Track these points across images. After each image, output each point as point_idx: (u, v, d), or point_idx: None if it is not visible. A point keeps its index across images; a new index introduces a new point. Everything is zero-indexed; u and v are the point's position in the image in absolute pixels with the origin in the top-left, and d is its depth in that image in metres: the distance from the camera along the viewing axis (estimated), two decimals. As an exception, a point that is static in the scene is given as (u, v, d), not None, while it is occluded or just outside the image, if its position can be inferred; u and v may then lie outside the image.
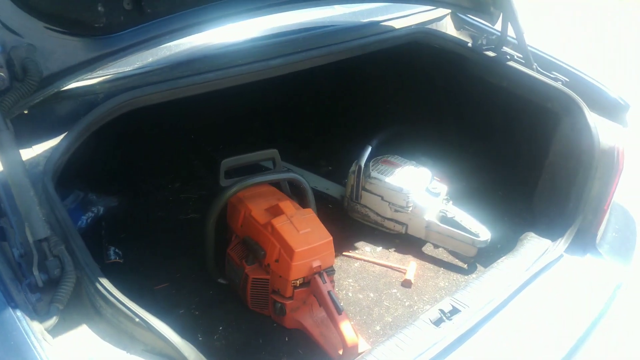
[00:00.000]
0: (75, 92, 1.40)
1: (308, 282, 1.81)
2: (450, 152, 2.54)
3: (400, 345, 1.53)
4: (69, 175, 2.28)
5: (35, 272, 1.05)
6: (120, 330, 1.02)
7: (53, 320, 0.99)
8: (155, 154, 2.59)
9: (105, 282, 1.04)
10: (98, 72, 1.42)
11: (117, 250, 2.12)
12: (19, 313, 0.98)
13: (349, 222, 2.46)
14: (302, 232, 1.80)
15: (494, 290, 1.72)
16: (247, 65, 1.62)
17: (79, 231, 2.15)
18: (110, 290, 1.02)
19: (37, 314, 1.00)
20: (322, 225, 1.88)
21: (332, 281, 1.91)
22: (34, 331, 0.93)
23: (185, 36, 1.44)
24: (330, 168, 2.78)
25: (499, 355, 1.52)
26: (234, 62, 1.62)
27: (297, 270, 1.78)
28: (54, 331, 1.00)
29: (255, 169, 2.01)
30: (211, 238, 1.93)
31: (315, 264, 1.79)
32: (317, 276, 1.78)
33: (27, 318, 0.96)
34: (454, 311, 1.64)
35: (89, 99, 1.43)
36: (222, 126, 2.70)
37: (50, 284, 1.06)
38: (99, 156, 2.32)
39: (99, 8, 1.20)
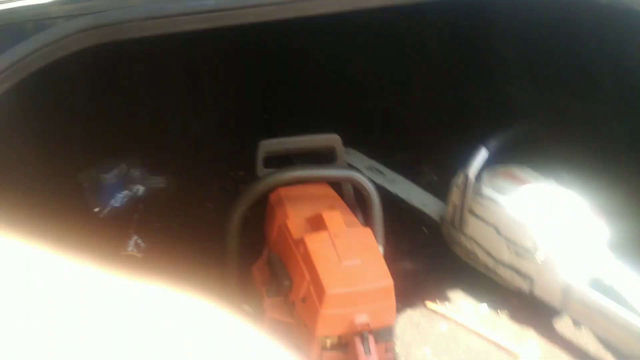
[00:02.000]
0: (23, 15, 0.98)
1: (345, 345, 1.18)
2: (614, 169, 1.65)
3: None
4: (116, 147, 2.05)
5: None
6: None
7: None
8: (222, 134, 2.18)
9: None
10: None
11: (139, 241, 1.74)
12: None
13: (448, 257, 1.74)
14: (346, 263, 1.17)
15: None
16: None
17: (110, 212, 1.90)
18: None
19: None
20: (382, 257, 1.23)
21: (389, 350, 1.24)
22: None
23: None
24: (435, 178, 2.08)
25: None
26: None
27: (329, 323, 1.15)
28: None
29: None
30: (233, 246, 1.41)
31: (360, 319, 1.15)
32: (358, 339, 1.14)
33: None
34: None
35: (42, 23, 0.99)
36: (303, 106, 2.19)
37: None
38: (148, 126, 1.99)
39: None
